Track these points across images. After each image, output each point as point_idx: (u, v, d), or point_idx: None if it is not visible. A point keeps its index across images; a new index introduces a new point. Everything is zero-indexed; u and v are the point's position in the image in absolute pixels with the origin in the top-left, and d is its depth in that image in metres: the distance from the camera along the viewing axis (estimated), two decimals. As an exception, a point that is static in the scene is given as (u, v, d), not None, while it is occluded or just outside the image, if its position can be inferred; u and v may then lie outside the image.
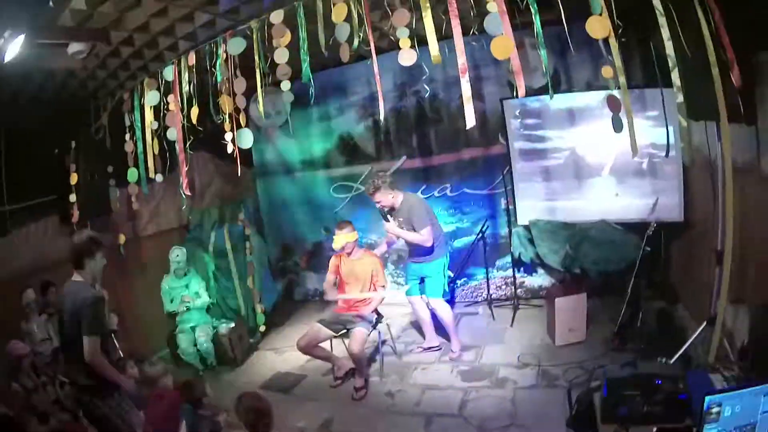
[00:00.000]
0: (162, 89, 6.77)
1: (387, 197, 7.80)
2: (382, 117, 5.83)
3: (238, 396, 5.21)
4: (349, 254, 7.84)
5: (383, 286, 7.96)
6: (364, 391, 7.58)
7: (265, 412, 4.96)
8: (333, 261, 8.09)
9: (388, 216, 7.84)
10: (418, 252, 7.97)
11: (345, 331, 7.83)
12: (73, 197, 7.87)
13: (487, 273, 9.84)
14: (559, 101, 7.95)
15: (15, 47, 5.33)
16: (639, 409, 4.37)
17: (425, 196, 10.09)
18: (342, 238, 7.70)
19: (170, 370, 6.84)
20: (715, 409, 3.68)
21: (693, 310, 6.98)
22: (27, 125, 7.41)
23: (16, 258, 7.65)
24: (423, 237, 7.64)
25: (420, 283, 8.28)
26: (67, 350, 5.61)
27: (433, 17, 4.91)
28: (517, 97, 4.71)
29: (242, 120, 6.29)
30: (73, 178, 7.81)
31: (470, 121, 4.66)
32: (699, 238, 7.06)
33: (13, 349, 6.43)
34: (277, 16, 5.55)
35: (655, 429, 4.22)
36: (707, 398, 3.68)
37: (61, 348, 6.21)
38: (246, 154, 6.30)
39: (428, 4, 4.89)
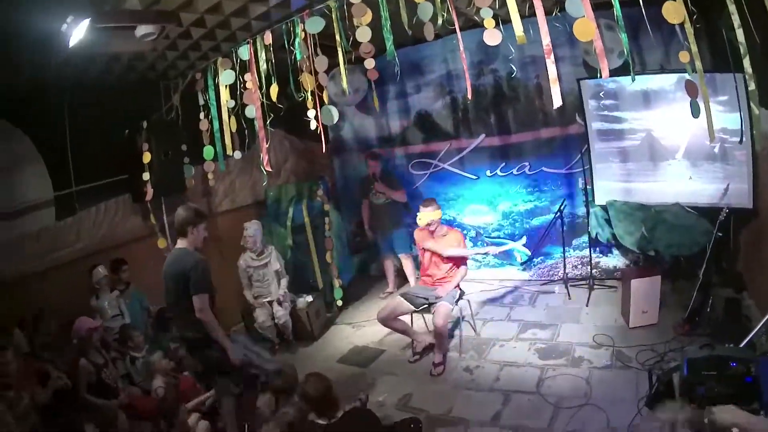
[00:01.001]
0: (237, 68, 6.83)
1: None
2: (470, 95, 5.73)
3: (304, 377, 5.36)
4: (432, 232, 7.84)
5: (465, 263, 8.02)
6: (443, 367, 7.58)
7: (329, 393, 5.08)
8: (417, 235, 8.11)
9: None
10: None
11: (427, 306, 7.87)
12: (146, 176, 7.93)
13: (564, 252, 9.79)
14: (635, 83, 7.85)
15: (80, 32, 5.41)
16: (714, 389, 4.37)
17: (504, 174, 10.28)
18: (427, 215, 7.71)
19: (246, 343, 6.98)
20: None
21: (758, 300, 6.88)
22: (93, 107, 7.57)
23: (85, 237, 7.83)
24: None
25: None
26: (173, 311, 6.26)
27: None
28: (599, 77, 4.67)
29: (324, 97, 6.32)
30: (146, 157, 7.88)
31: (557, 101, 4.64)
32: (766, 226, 7.00)
33: (82, 325, 6.53)
34: (356, -5, 5.54)
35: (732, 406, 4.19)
36: None
37: (168, 310, 6.90)
38: (324, 131, 6.32)
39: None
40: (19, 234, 7.03)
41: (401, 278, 10.83)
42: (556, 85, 4.64)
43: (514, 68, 8.79)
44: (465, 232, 10.57)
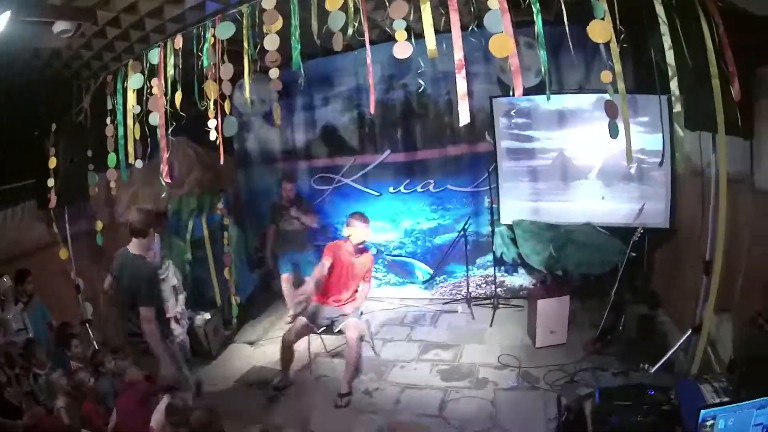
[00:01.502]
0: (146, 72, 6.60)
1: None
2: (372, 109, 5.63)
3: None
4: (359, 249, 7.68)
5: (369, 281, 7.97)
6: (349, 399, 7.25)
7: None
8: (332, 246, 7.74)
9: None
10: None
11: (329, 324, 7.69)
12: (51, 182, 7.60)
13: (467, 271, 9.80)
14: (550, 102, 7.91)
15: (1, 23, 5.22)
16: (631, 419, 4.33)
17: (408, 191, 10.21)
18: (362, 233, 7.55)
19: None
20: (709, 422, 3.73)
21: (675, 317, 7.01)
22: (10, 105, 7.15)
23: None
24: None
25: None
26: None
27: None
28: (512, 95, 4.60)
29: (227, 107, 6.16)
30: (52, 162, 7.56)
31: (464, 118, 4.56)
32: (684, 246, 7.10)
33: None
34: (269, 2, 5.39)
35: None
36: (702, 412, 3.74)
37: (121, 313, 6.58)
38: (227, 142, 6.18)
39: (427, -3, 4.77)
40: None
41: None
42: (465, 101, 4.56)
43: (422, 83, 8.75)
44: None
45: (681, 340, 5.72)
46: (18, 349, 6.87)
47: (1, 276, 7.04)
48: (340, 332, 7.55)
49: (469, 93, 4.61)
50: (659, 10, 4.41)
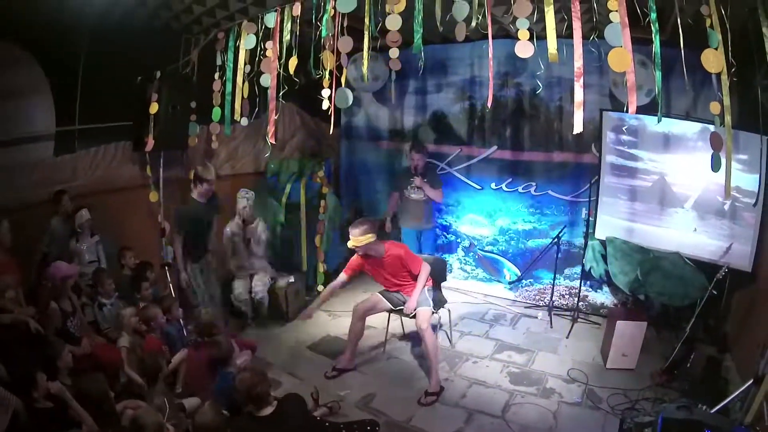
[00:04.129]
0: (260, 35, 6.69)
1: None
2: (489, 103, 5.58)
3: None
4: (368, 257, 7.43)
5: (419, 271, 7.47)
6: (436, 398, 7.03)
7: (256, 389, 5.12)
8: (351, 265, 7.60)
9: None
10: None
11: (402, 307, 7.58)
12: (150, 126, 7.78)
13: (554, 279, 9.71)
14: (657, 125, 7.75)
15: None
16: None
17: (509, 190, 10.16)
18: (354, 240, 7.20)
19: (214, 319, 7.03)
20: None
21: (740, 364, 6.80)
22: (111, 48, 7.33)
23: (81, 177, 7.69)
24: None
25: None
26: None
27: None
28: (625, 111, 4.54)
29: (342, 79, 6.19)
30: (153, 108, 7.72)
31: (578, 126, 4.52)
32: (762, 294, 6.90)
33: (58, 270, 6.39)
34: (394, -20, 5.39)
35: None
36: None
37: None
38: (336, 114, 6.20)
39: (552, 0, 4.72)
40: (15, 163, 6.89)
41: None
42: (580, 110, 4.52)
43: (540, 85, 8.66)
44: (459, 240, 10.54)
45: (741, 389, 5.58)
46: (86, 280, 7.15)
47: (80, 208, 7.26)
48: (414, 317, 7.47)
49: (583, 103, 4.57)
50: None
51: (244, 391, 5.07)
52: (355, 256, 7.56)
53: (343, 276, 7.58)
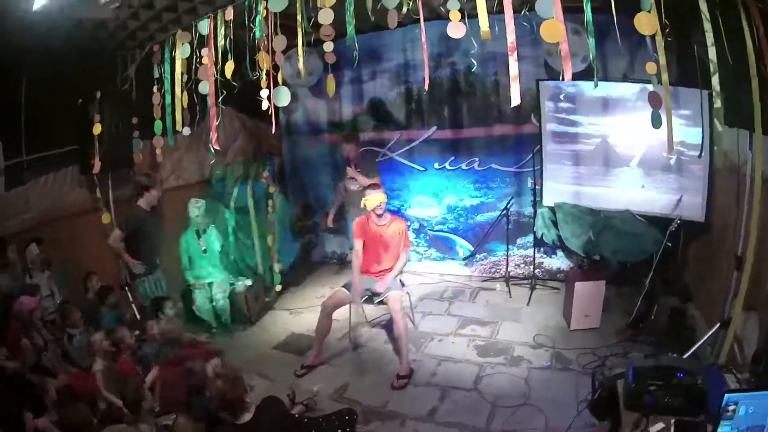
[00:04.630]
0: (195, 43, 6.71)
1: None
2: (426, 85, 5.65)
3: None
4: (380, 216, 7.51)
5: (407, 250, 7.77)
6: (407, 381, 7.11)
7: (233, 394, 5.03)
8: (358, 225, 7.72)
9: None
10: None
11: (369, 297, 7.66)
12: (95, 148, 7.71)
13: (507, 250, 9.86)
14: (595, 89, 7.87)
15: None
16: (661, 400, 4.37)
17: (453, 168, 10.28)
18: (375, 198, 7.34)
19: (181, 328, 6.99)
20: (731, 407, 3.78)
21: (705, 311, 6.98)
22: (51, 74, 7.24)
23: (33, 208, 7.57)
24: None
25: None
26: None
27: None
28: (561, 80, 4.63)
29: (279, 78, 6.21)
30: (97, 129, 7.65)
31: (515, 99, 4.58)
32: (717, 241, 7.05)
33: (23, 304, 6.39)
34: (323, -24, 5.43)
35: (673, 421, 4.23)
36: (726, 395, 3.79)
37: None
38: (275, 113, 6.23)
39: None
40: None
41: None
42: (516, 83, 4.59)
43: (474, 63, 8.69)
44: (409, 223, 10.55)
45: (708, 334, 5.71)
46: (47, 314, 7.08)
47: (30, 243, 7.19)
48: (382, 303, 7.59)
49: (518, 75, 4.64)
50: (703, 6, 4.42)
51: (219, 397, 4.97)
52: (356, 222, 7.73)
53: (359, 242, 7.62)
